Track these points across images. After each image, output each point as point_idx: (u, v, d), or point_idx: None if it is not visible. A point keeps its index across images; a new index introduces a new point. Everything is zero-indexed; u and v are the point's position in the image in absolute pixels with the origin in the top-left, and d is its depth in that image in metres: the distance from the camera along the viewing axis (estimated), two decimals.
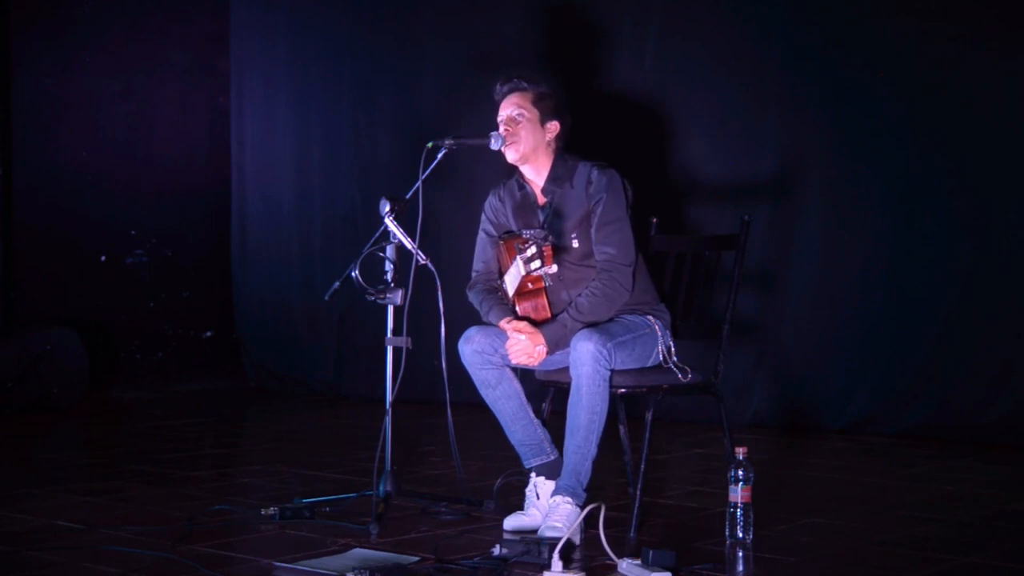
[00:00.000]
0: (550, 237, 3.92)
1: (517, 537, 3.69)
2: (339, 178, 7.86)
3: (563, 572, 3.34)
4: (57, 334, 7.16)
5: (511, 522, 4.00)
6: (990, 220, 5.74)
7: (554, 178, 4.13)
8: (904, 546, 3.83)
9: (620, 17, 6.66)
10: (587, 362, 3.84)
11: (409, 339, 4.17)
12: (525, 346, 3.96)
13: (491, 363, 4.07)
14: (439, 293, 4.05)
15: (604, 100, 6.61)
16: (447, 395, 4.19)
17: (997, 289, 5.73)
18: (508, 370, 4.10)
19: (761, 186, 6.25)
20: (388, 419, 4.19)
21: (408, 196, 4.19)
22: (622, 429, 4.36)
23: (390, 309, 4.23)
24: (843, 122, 6.08)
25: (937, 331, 5.86)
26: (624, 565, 3.44)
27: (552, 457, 4.10)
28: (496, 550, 3.57)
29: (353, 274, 4.11)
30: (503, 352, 4.03)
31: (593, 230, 4.05)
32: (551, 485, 4.02)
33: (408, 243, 4.15)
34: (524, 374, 4.17)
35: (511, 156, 4.13)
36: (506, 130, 4.11)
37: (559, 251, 4.03)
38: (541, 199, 4.17)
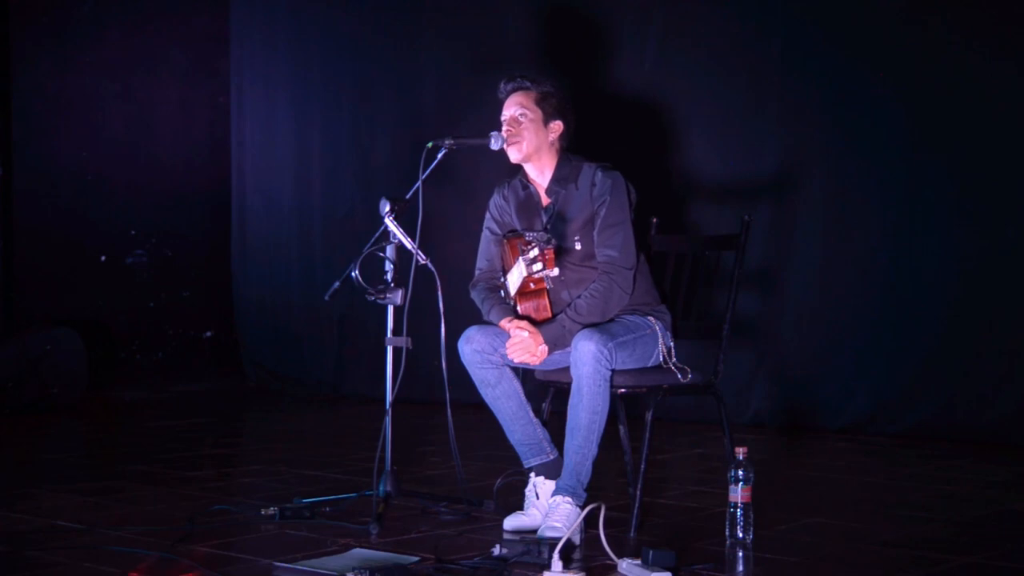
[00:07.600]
0: (553, 241, 3.91)
1: (517, 537, 3.70)
2: (339, 178, 7.86)
3: (563, 572, 3.34)
4: (57, 334, 7.16)
5: (511, 522, 3.99)
6: (989, 220, 5.74)
7: (558, 179, 4.12)
8: (904, 546, 3.83)
9: (620, 17, 6.66)
10: (588, 362, 3.84)
11: (409, 339, 4.16)
12: (527, 344, 3.95)
13: (491, 362, 4.07)
14: (439, 293, 4.05)
15: (604, 100, 6.60)
16: (447, 395, 4.19)
17: (997, 289, 5.73)
18: (508, 369, 4.09)
19: (761, 186, 6.25)
20: (388, 419, 4.18)
21: (408, 196, 4.19)
22: (622, 429, 4.36)
23: (390, 309, 4.23)
24: (843, 122, 6.08)
25: (937, 331, 5.86)
26: (624, 565, 3.44)
27: (551, 457, 4.10)
28: (496, 550, 3.57)
29: (353, 274, 4.11)
30: (503, 351, 4.03)
31: (595, 232, 4.05)
32: (551, 485, 4.01)
33: (408, 243, 4.15)
34: (524, 374, 4.17)
35: (514, 155, 4.12)
36: (509, 130, 4.10)
37: (561, 252, 4.03)
38: (545, 199, 4.16)
